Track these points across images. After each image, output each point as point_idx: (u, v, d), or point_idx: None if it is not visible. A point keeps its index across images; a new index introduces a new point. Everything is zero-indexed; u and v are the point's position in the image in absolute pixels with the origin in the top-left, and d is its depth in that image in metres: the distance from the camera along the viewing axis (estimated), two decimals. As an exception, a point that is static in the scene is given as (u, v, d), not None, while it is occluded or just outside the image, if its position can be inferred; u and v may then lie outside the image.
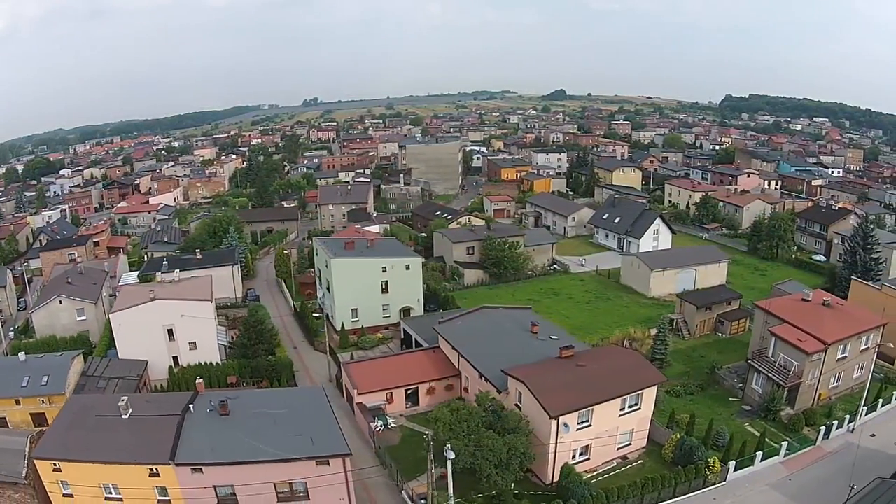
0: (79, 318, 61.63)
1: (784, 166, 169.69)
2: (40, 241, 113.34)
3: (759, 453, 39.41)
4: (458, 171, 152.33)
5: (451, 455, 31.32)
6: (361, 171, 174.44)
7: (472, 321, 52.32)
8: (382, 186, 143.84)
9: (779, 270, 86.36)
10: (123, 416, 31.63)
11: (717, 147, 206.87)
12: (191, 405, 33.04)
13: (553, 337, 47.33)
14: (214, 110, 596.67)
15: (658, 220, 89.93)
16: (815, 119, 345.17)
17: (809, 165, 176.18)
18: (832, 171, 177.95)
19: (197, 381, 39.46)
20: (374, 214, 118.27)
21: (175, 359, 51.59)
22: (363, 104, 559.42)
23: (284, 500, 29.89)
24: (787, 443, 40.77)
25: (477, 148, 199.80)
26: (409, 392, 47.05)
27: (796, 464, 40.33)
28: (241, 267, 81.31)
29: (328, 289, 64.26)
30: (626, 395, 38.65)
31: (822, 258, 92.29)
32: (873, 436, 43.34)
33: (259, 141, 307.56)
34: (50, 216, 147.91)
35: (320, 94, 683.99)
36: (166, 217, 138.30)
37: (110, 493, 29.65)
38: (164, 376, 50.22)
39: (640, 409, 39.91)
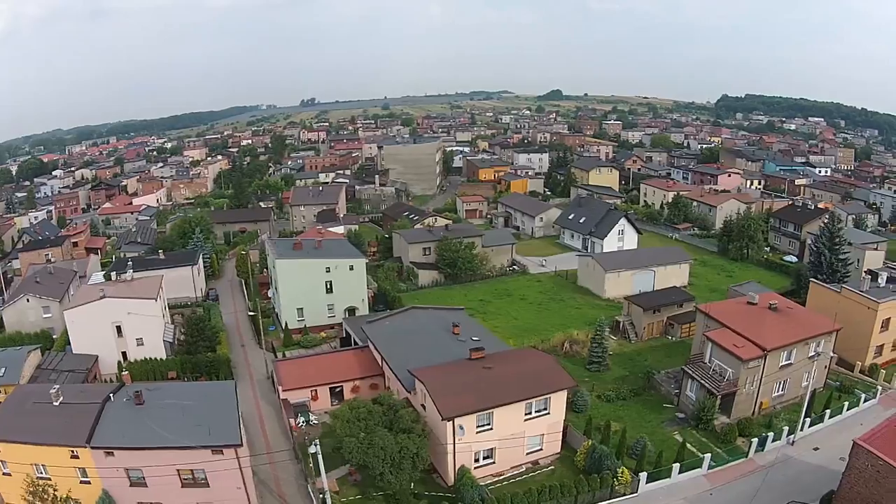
0: (45, 315, 63.94)
1: (769, 166, 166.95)
2: (23, 241, 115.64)
3: (677, 465, 36.86)
4: (435, 172, 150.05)
5: (312, 449, 31.73)
6: (342, 172, 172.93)
7: (398, 321, 51.74)
8: (357, 187, 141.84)
9: (747, 272, 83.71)
10: (55, 403, 33.99)
11: (703, 147, 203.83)
12: (112, 395, 35.27)
13: (474, 338, 45.80)
14: (212, 111, 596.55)
15: (623, 221, 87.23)
16: (810, 119, 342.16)
17: (796, 165, 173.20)
18: (819, 171, 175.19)
19: (123, 373, 43.57)
20: (342, 215, 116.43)
21: (124, 354, 53.34)
22: (360, 104, 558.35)
23: (188, 485, 31.93)
24: (710, 454, 38.13)
25: (459, 148, 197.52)
26: (335, 390, 47.14)
27: (721, 477, 37.61)
28: (204, 267, 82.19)
29: (276, 288, 64.59)
30: (532, 399, 37.22)
31: (794, 259, 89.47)
32: (816, 449, 40.66)
33: (249, 141, 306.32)
34: (36, 217, 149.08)
35: (318, 95, 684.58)
36: (147, 218, 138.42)
37: (41, 472, 32.21)
38: (115, 370, 52.07)
39: (549, 413, 38.21)
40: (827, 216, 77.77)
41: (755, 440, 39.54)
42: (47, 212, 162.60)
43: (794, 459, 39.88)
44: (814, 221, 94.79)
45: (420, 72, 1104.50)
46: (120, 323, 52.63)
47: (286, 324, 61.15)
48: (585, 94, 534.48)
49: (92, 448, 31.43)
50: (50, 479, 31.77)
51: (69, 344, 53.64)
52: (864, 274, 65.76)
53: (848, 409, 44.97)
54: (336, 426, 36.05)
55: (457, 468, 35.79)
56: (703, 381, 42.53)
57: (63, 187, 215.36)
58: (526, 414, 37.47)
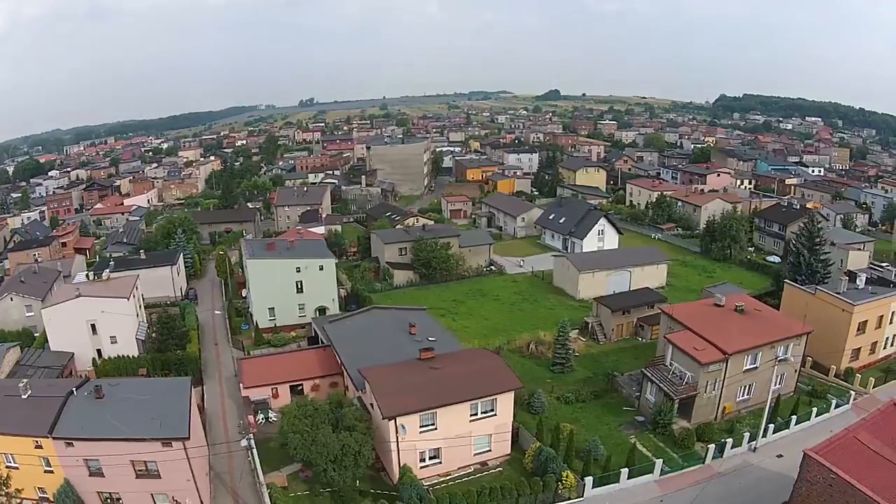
0: (27, 314, 64.81)
1: (761, 165, 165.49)
2: (14, 241, 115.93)
3: (625, 470, 35.77)
4: (423, 172, 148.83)
5: (244, 443, 33.51)
6: (331, 172, 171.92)
7: (359, 321, 51.79)
8: (343, 187, 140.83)
9: (728, 272, 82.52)
10: (23, 396, 35.22)
11: (695, 146, 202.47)
12: (75, 389, 36.20)
13: (431, 339, 45.63)
14: (210, 111, 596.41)
15: (603, 221, 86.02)
16: (807, 118, 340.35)
17: (788, 165, 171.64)
18: (813, 171, 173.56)
19: (88, 369, 46.30)
20: (324, 216, 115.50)
21: (99, 351, 54.38)
22: (359, 105, 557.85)
23: (141, 476, 33.20)
24: (661, 460, 36.99)
25: (450, 148, 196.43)
26: (296, 388, 47.18)
27: (674, 484, 36.44)
28: (186, 267, 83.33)
29: (248, 288, 65.15)
30: (477, 401, 36.94)
31: (777, 259, 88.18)
32: (780, 456, 39.35)
33: (244, 142, 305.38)
34: (29, 217, 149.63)
35: (317, 95, 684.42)
36: (137, 218, 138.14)
37: (10, 462, 33.51)
38: (90, 367, 53.11)
39: (496, 414, 37.76)
40: (807, 216, 76.28)
41: (712, 446, 38.34)
42: (40, 212, 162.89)
43: (754, 467, 38.70)
44: (799, 221, 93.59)
45: (419, 72, 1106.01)
46: (94, 321, 53.89)
47: (257, 323, 61.48)
48: (583, 95, 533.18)
49: (54, 438, 32.67)
50: (18, 468, 33.19)
51: (48, 341, 54.85)
52: (842, 275, 64.81)
53: (817, 415, 43.78)
54: (283, 423, 36.49)
55: (400, 467, 35.66)
56: (661, 385, 41.33)
57: (57, 188, 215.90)
58: (472, 415, 37.20)
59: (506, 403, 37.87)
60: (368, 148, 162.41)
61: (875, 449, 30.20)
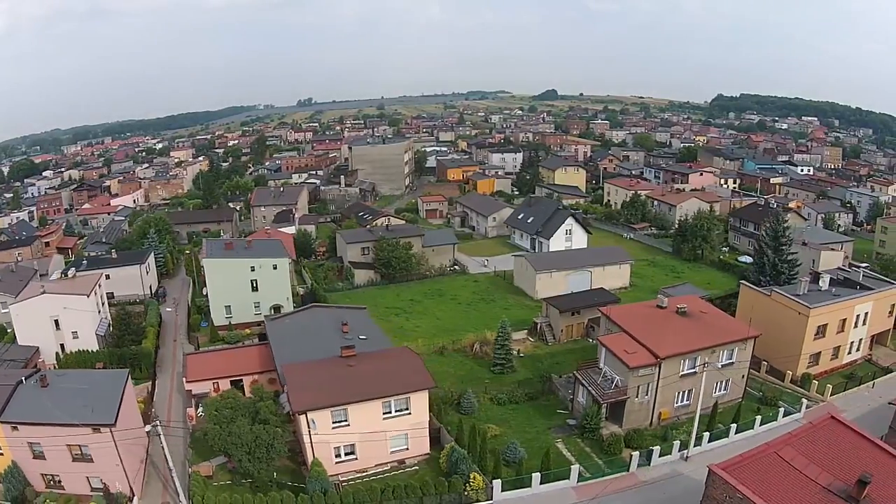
0: (2, 311, 65.12)
1: (748, 164, 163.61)
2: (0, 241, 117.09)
3: (537, 474, 34.47)
4: (403, 172, 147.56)
5: (147, 428, 34.29)
6: (314, 172, 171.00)
7: (298, 319, 52.24)
8: (321, 187, 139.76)
9: (698, 272, 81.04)
10: None
11: (681, 146, 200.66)
12: (25, 378, 37.78)
13: (362, 337, 45.89)
14: (208, 111, 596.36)
15: (570, 220, 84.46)
16: (804, 118, 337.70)
17: (776, 164, 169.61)
18: (802, 170, 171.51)
19: (39, 360, 48.64)
20: (301, 216, 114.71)
21: (62, 346, 56.27)
22: (357, 104, 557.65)
23: (77, 460, 34.95)
24: (578, 465, 35.65)
25: (436, 148, 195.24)
26: (237, 383, 47.69)
27: (591, 491, 34.88)
28: (159, 266, 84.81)
29: (206, 286, 66.10)
30: (390, 398, 37.08)
31: (749, 259, 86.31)
32: None
33: (236, 142, 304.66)
34: (17, 217, 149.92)
35: (315, 95, 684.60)
36: (122, 218, 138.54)
37: None
38: (54, 361, 54.88)
39: (410, 413, 37.65)
40: (772, 215, 74.50)
41: (636, 454, 36.78)
42: (29, 212, 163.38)
43: (683, 477, 37.01)
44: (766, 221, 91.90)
45: (418, 72, 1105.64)
46: (57, 317, 55.82)
47: (212, 320, 62.62)
48: (581, 94, 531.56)
49: (1, 423, 34.42)
50: None
51: (17, 337, 57.38)
52: (806, 276, 62.97)
53: (762, 424, 41.89)
54: (206, 414, 37.74)
55: (311, 461, 35.84)
56: (589, 388, 39.82)
57: (49, 188, 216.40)
58: (385, 413, 37.29)
59: (420, 402, 37.69)
60: (350, 148, 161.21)
61: (797, 466, 27.60)
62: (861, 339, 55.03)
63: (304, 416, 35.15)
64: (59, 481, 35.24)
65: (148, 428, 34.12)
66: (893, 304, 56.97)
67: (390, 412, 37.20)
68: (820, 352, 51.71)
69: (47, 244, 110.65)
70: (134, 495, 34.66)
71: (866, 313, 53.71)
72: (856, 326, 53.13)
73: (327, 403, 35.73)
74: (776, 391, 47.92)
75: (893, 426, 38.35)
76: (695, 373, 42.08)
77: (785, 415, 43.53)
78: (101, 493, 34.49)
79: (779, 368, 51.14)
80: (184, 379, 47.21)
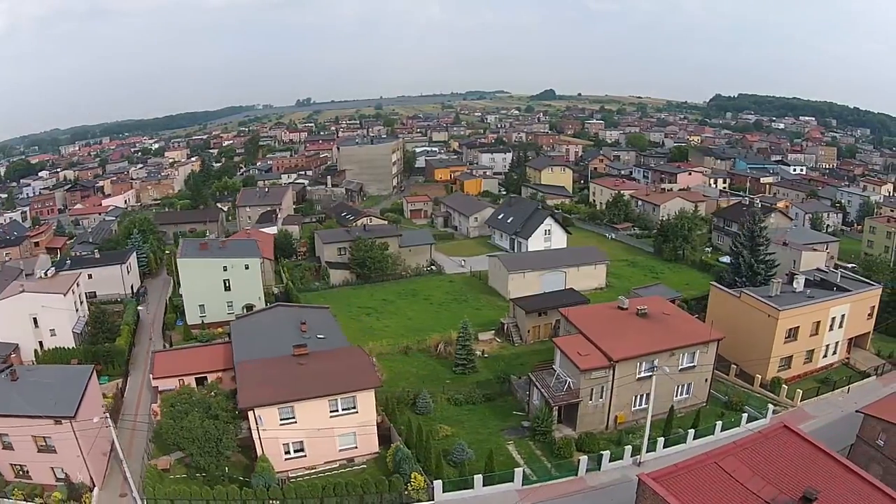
0: None
1: (740, 164, 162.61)
2: None
3: (479, 476, 33.97)
4: (391, 172, 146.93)
5: (95, 419, 34.40)
6: (303, 172, 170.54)
7: (261, 318, 52.70)
8: (308, 188, 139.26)
9: (678, 273, 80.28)
10: None
11: (674, 145, 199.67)
12: None
13: (320, 336, 46.19)
14: (207, 111, 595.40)
15: (549, 220, 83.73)
16: (801, 118, 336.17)
17: (768, 163, 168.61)
18: (794, 169, 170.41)
19: (11, 356, 50.35)
20: (283, 216, 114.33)
21: (41, 343, 57.59)
22: (355, 104, 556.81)
23: (42, 451, 36.09)
24: (522, 468, 35.04)
25: (426, 148, 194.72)
26: (202, 380, 48.22)
27: (537, 495, 34.33)
28: (141, 266, 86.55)
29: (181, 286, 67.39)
30: (337, 396, 37.30)
31: (729, 259, 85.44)
32: None
33: (231, 142, 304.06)
34: (10, 218, 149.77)
35: (314, 95, 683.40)
36: (113, 219, 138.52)
37: None
38: (32, 358, 56.58)
39: (357, 411, 37.75)
40: (748, 214, 73.54)
41: (584, 458, 36.11)
42: (22, 212, 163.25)
43: (633, 483, 35.94)
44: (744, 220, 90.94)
45: (417, 72, 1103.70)
46: (36, 315, 57.30)
47: (186, 319, 63.70)
48: (579, 94, 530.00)
49: None
50: None
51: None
52: (780, 277, 61.96)
53: (724, 430, 40.96)
54: (162, 410, 38.94)
55: (258, 456, 36.62)
56: (542, 390, 39.09)
57: (43, 188, 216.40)
58: (332, 411, 37.47)
59: (367, 401, 37.82)
60: (338, 148, 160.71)
61: (739, 478, 25.76)
62: (838, 343, 53.79)
63: (251, 412, 35.77)
64: (27, 471, 36.54)
65: (96, 419, 34.65)
66: (873, 307, 55.83)
67: (337, 410, 37.36)
68: (792, 355, 50.56)
69: (37, 244, 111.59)
70: (95, 486, 35.82)
71: (843, 315, 52.63)
72: (831, 329, 51.94)
73: (273, 400, 36.03)
74: (743, 395, 47.01)
75: (860, 435, 37.40)
76: (651, 376, 41.31)
77: (749, 420, 42.52)
78: (64, 483, 35.62)
79: (748, 372, 50.19)
80: (150, 376, 48.08)
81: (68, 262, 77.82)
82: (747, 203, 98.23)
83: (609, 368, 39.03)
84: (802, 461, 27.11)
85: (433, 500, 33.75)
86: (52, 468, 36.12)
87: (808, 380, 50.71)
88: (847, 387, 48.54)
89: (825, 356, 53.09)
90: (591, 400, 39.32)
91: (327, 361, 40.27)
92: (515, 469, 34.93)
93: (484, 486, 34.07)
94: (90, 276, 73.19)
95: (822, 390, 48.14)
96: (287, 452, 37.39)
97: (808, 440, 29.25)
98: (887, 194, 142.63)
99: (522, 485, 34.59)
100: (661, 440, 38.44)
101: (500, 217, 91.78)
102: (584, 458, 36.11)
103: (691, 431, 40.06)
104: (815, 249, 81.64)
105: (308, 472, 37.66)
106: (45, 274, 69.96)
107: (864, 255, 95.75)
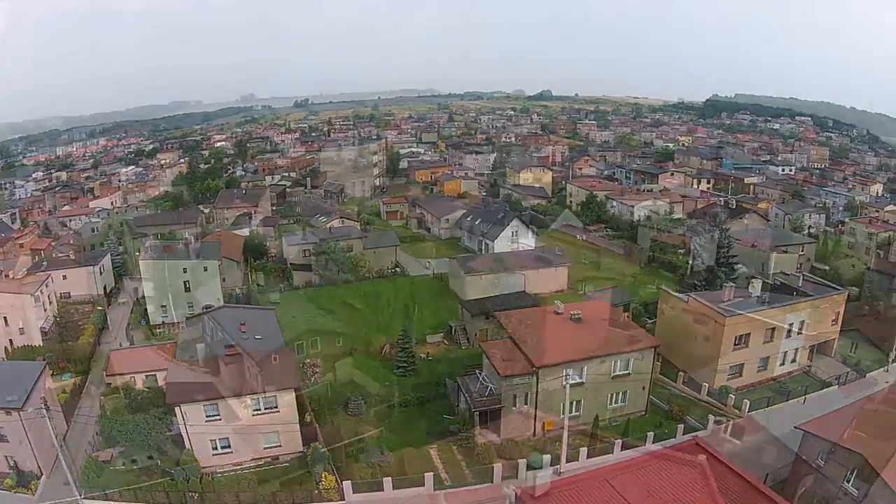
0: None
1: (726, 164, 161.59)
2: None
3: (389, 479, 34.06)
4: (372, 174, 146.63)
5: (30, 410, 36.78)
6: (287, 174, 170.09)
7: (206, 319, 52.41)
8: (288, 189, 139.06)
9: (645, 275, 79.35)
10: None
11: (660, 146, 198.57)
12: None
13: (257, 337, 46.11)
14: (206, 111, 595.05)
15: (516, 222, 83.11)
16: (797, 118, 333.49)
17: (755, 164, 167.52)
18: (782, 169, 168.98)
19: (1, 356, 53.34)
20: (257, 218, 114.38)
21: (11, 341, 60.37)
22: (352, 105, 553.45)
23: None
24: (432, 473, 34.69)
25: (412, 149, 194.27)
26: (151, 377, 50.10)
27: (448, 500, 33.83)
28: (116, 267, 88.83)
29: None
30: (256, 396, 39.01)
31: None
32: None
33: (223, 143, 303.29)
34: None
35: (313, 95, 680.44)
36: (99, 220, 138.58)
37: None
38: (2, 355, 59.28)
39: (278, 410, 39.46)
40: (709, 215, 72.85)
41: (499, 465, 35.50)
42: (11, 214, 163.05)
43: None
44: (731, 222, 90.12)
45: (417, 73, 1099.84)
46: (6, 314, 60.42)
47: (149, 319, 66.64)
48: (576, 95, 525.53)
49: None
50: None
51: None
52: (744, 281, 60.89)
53: (657, 441, 39.89)
54: (103, 405, 42.60)
55: (184, 451, 38.80)
56: (465, 395, 38.46)
57: (35, 190, 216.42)
58: (255, 409, 39.40)
59: (287, 401, 39.55)
60: (319, 149, 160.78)
61: (630, 499, 24.59)
62: (797, 350, 52.62)
63: (177, 408, 38.11)
64: (-18, 459, 39.09)
65: (31, 409, 36.95)
66: (839, 312, 54.26)
67: (259, 409, 39.37)
68: (744, 363, 49.57)
69: (21, 245, 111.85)
70: (42, 474, 38.44)
71: (802, 322, 51.42)
72: (789, 336, 50.51)
73: (196, 398, 38.30)
74: (687, 404, 46.07)
75: (800, 454, 35.28)
76: (582, 383, 40.61)
77: (686, 431, 41.32)
78: (13, 472, 38.15)
79: (697, 380, 49.09)
80: (103, 372, 50.78)
81: (45, 263, 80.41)
82: (721, 203, 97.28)
83: (532, 375, 38.28)
84: (707, 482, 25.42)
85: (343, 500, 34.50)
86: (6, 456, 38.74)
87: (762, 388, 49.64)
88: (803, 397, 46.92)
89: (782, 364, 51.71)
90: (514, 406, 38.60)
91: (254, 362, 40.69)
92: (426, 473, 34.54)
93: (394, 489, 33.77)
94: (64, 277, 75.49)
95: (776, 400, 46.87)
96: (214, 448, 39.57)
97: (719, 459, 28.23)
98: (876, 195, 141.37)
99: (434, 489, 34.01)
100: (583, 450, 37.61)
101: (468, 219, 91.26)
102: (498, 466, 35.47)
103: (618, 442, 39.18)
104: (786, 251, 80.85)
105: (235, 468, 39.77)
106: (16, 275, 72.55)
107: (844, 256, 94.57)
